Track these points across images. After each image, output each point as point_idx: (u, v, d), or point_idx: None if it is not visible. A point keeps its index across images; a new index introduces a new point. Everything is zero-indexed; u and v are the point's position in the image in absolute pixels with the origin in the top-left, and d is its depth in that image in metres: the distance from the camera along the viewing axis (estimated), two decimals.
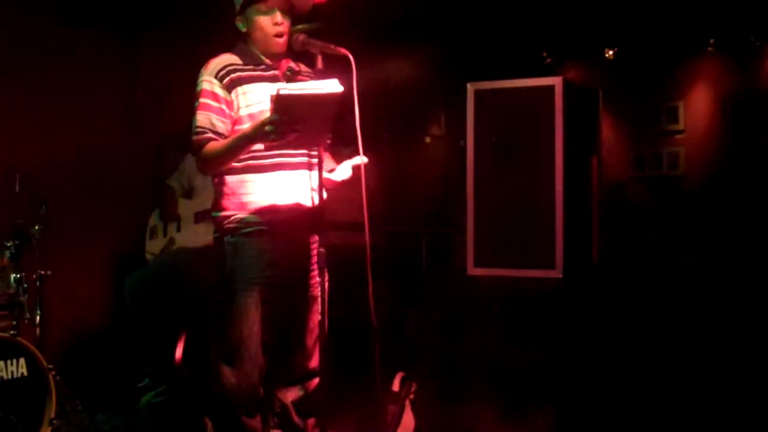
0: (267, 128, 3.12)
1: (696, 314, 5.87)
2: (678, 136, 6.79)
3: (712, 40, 6.49)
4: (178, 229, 5.05)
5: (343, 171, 3.52)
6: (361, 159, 3.40)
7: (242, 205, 3.44)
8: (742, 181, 6.33)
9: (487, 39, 6.50)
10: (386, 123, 6.27)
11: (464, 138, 4.72)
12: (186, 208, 5.07)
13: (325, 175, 3.46)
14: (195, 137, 3.41)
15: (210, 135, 3.38)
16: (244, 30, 3.54)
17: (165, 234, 5.10)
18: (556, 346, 4.34)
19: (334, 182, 3.52)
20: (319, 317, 3.29)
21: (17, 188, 4.26)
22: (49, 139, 4.97)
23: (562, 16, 6.28)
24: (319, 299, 3.30)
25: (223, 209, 3.47)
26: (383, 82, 5.93)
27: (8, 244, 4.16)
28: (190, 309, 4.94)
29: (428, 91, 6.87)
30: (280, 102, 3.06)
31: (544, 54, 6.97)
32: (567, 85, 4.41)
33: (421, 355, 5.15)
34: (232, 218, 3.45)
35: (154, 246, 5.14)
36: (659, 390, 5.07)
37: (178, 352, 5.02)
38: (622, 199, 6.69)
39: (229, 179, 3.45)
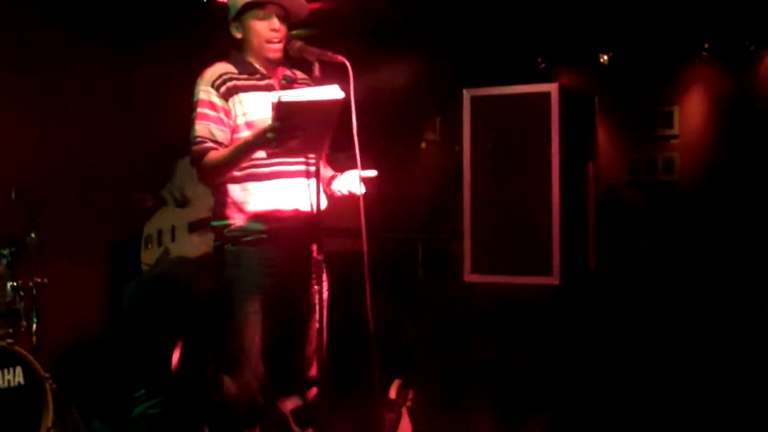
0: (268, 135, 3.11)
1: (692, 319, 5.88)
2: (673, 141, 6.79)
3: (706, 45, 6.49)
4: (173, 239, 5.05)
5: (350, 182, 3.49)
6: (371, 172, 3.40)
7: (243, 214, 3.43)
8: (737, 186, 6.33)
9: (482, 44, 6.50)
10: (382, 128, 6.27)
11: (460, 143, 4.72)
12: (180, 217, 5.06)
13: (335, 186, 3.48)
14: (195, 147, 3.39)
15: (210, 144, 3.37)
16: (239, 36, 3.53)
17: (160, 244, 5.09)
18: (553, 352, 4.34)
19: (341, 194, 3.51)
20: (318, 326, 3.28)
21: (13, 196, 4.25)
22: (46, 147, 4.96)
23: (556, 21, 6.29)
24: (318, 308, 3.29)
25: (224, 218, 3.46)
26: (379, 87, 5.93)
27: (4, 252, 4.15)
28: (187, 318, 4.93)
29: (423, 96, 6.87)
30: (281, 109, 3.05)
31: (539, 59, 6.98)
32: (563, 92, 4.41)
33: (418, 362, 5.15)
34: (233, 226, 3.44)
35: (148, 256, 5.13)
36: (656, 396, 5.07)
37: (174, 361, 5.01)
38: (617, 205, 6.69)
39: (230, 188, 3.44)
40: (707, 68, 6.64)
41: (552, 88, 4.42)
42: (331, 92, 3.06)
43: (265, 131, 3.14)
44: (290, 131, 3.10)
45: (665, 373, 5.35)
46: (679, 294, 6.11)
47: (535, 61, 6.95)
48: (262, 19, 3.45)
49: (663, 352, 5.57)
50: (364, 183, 3.44)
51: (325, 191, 3.53)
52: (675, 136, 6.78)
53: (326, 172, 3.60)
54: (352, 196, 3.46)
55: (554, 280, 4.32)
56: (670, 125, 6.78)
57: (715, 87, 6.64)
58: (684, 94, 6.76)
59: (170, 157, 5.22)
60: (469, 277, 4.51)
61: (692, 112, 6.74)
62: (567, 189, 4.40)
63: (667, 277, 6.33)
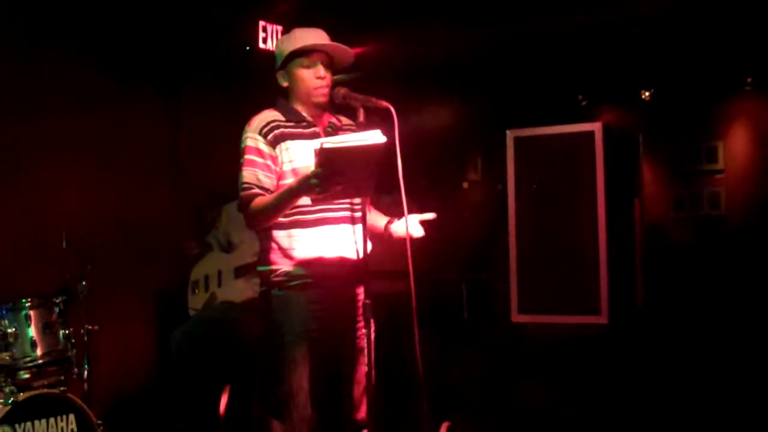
0: (312, 182, 3.13)
1: (742, 354, 5.78)
2: (718, 176, 6.75)
3: (749, 79, 6.46)
4: (219, 284, 5.08)
5: (409, 226, 3.50)
6: (429, 215, 3.43)
7: (289, 259, 3.46)
8: None
9: (522, 83, 6.52)
10: (424, 169, 6.29)
11: (502, 182, 4.72)
12: (226, 262, 5.10)
13: (392, 229, 3.51)
14: (242, 193, 3.44)
15: (257, 191, 3.41)
16: (285, 84, 3.57)
17: (207, 289, 5.13)
18: (602, 392, 4.29)
19: (399, 237, 3.54)
20: (366, 369, 3.28)
21: (64, 245, 4.31)
22: (95, 196, 5.02)
23: (597, 58, 6.29)
24: (366, 350, 3.29)
25: (270, 263, 3.49)
26: (421, 128, 5.96)
27: (56, 301, 4.21)
28: (234, 363, 4.95)
29: (464, 136, 6.90)
30: (324, 155, 3.07)
31: (580, 97, 6.97)
32: (607, 130, 4.41)
33: (467, 404, 5.12)
34: (279, 272, 3.46)
35: (195, 301, 5.17)
36: None
37: (222, 406, 5.03)
38: (663, 241, 6.63)
39: (276, 234, 3.47)
40: (751, 102, 6.61)
41: (596, 127, 4.43)
42: (374, 137, 3.07)
43: (308, 177, 3.16)
44: (333, 177, 3.11)
45: (718, 412, 5.26)
46: (729, 330, 6.02)
47: (576, 99, 6.95)
48: (308, 67, 3.50)
49: (715, 390, 5.48)
50: (422, 226, 3.48)
51: (381, 234, 3.56)
52: (720, 171, 6.74)
53: (380, 217, 3.63)
54: (410, 239, 3.45)
55: (603, 319, 4.30)
56: (715, 160, 6.74)
57: (759, 121, 6.60)
58: (728, 129, 6.73)
59: (216, 203, 5.28)
60: (517, 318, 4.50)
61: (737, 146, 6.69)
62: (613, 227, 4.39)
63: (716, 312, 6.24)
